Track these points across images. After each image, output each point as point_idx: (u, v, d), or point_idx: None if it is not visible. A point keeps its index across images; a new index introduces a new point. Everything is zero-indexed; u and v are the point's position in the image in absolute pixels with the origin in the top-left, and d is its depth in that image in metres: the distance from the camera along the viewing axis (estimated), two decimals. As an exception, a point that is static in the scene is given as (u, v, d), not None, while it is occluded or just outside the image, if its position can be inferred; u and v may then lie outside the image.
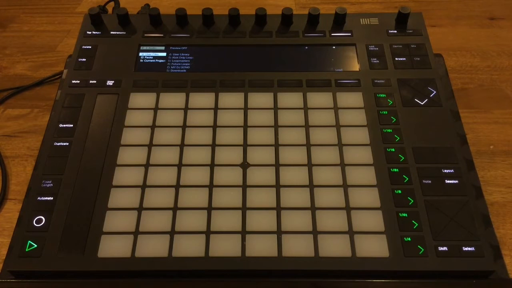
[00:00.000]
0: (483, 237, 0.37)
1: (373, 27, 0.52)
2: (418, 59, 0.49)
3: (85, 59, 0.49)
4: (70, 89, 0.47)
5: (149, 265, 0.36)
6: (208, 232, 0.37)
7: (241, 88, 0.47)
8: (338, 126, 0.44)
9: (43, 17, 0.72)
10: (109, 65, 0.49)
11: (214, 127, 0.44)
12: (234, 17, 0.52)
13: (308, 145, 0.42)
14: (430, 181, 0.39)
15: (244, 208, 0.38)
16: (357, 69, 0.49)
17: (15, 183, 0.48)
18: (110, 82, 0.48)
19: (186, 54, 0.50)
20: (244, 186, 0.40)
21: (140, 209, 0.39)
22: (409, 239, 0.37)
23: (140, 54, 0.50)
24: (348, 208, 0.38)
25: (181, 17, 0.52)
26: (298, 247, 0.36)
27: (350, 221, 0.38)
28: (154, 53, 0.50)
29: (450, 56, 0.63)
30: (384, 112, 0.45)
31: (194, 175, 0.41)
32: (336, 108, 0.45)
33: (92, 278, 0.36)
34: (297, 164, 0.41)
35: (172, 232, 0.37)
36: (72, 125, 0.44)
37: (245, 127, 0.44)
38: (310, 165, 0.41)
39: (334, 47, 0.50)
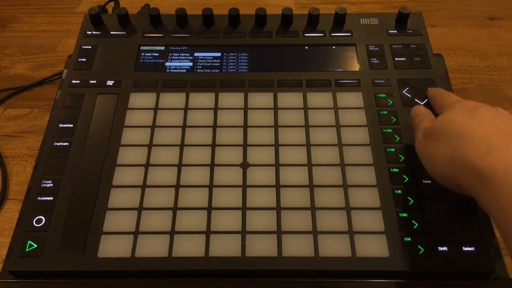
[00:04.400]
0: (483, 237, 0.37)
1: (373, 27, 0.52)
2: (418, 59, 0.49)
3: (85, 59, 0.49)
4: (70, 89, 0.47)
5: (149, 265, 0.36)
6: (208, 232, 0.37)
7: (241, 88, 0.47)
8: (338, 126, 0.44)
9: (43, 17, 0.72)
10: (109, 65, 0.49)
11: (214, 127, 0.44)
12: (234, 17, 0.52)
13: (308, 145, 0.42)
14: (430, 181, 0.39)
15: (244, 208, 0.38)
16: (357, 69, 0.49)
17: (15, 183, 0.48)
18: (110, 82, 0.48)
19: (186, 54, 0.50)
20: (244, 186, 0.40)
21: (140, 209, 0.39)
22: (409, 239, 0.37)
23: (140, 54, 0.50)
24: (348, 208, 0.38)
25: (181, 17, 0.52)
26: (298, 247, 0.36)
27: (350, 221, 0.38)
28: (154, 53, 0.50)
29: (450, 56, 0.63)
30: (384, 112, 0.45)
31: (194, 175, 0.41)
32: (336, 108, 0.45)
33: (92, 278, 0.36)
34: (297, 164, 0.41)
35: (172, 232, 0.37)
36: (72, 125, 0.44)
37: (245, 127, 0.44)
38: (310, 165, 0.41)
39: (334, 47, 0.50)
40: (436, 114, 0.39)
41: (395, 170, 0.41)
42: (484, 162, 0.29)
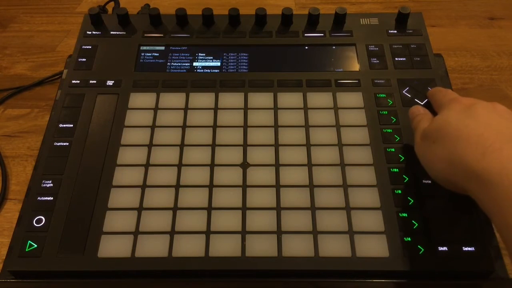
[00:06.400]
0: (483, 237, 0.37)
1: (373, 27, 0.52)
2: (418, 59, 0.49)
3: (85, 59, 0.49)
4: (70, 89, 0.47)
5: (149, 265, 0.36)
6: (208, 232, 0.37)
7: (241, 88, 0.47)
8: (338, 126, 0.44)
9: (43, 17, 0.72)
10: (109, 65, 0.49)
11: (214, 127, 0.44)
12: (234, 17, 0.52)
13: (308, 145, 0.42)
14: (430, 181, 0.39)
15: (244, 208, 0.38)
16: (357, 69, 0.49)
17: (15, 183, 0.48)
18: (110, 82, 0.48)
19: (186, 54, 0.50)
20: (244, 186, 0.40)
21: (140, 209, 0.39)
22: (409, 239, 0.37)
23: (140, 54, 0.50)
24: (348, 208, 0.38)
25: (181, 17, 0.52)
26: (298, 247, 0.36)
27: (350, 221, 0.38)
28: (154, 53, 0.50)
29: (450, 56, 0.63)
30: (384, 112, 0.45)
31: (194, 175, 0.41)
32: (336, 108, 0.45)
33: (92, 278, 0.36)
34: (297, 164, 0.41)
35: (172, 232, 0.37)
36: (72, 125, 0.44)
37: (245, 127, 0.44)
38: (310, 165, 0.41)
39: (334, 47, 0.50)
40: (434, 113, 0.39)
41: (395, 170, 0.41)
42: (481, 164, 0.29)
